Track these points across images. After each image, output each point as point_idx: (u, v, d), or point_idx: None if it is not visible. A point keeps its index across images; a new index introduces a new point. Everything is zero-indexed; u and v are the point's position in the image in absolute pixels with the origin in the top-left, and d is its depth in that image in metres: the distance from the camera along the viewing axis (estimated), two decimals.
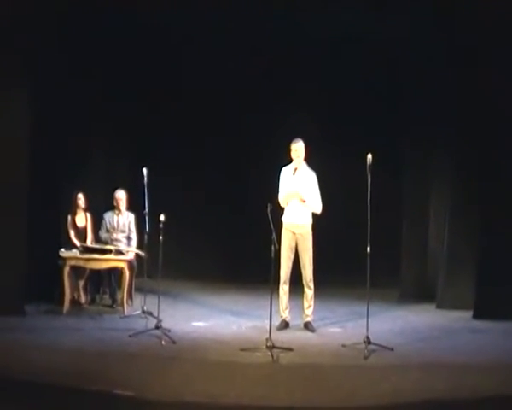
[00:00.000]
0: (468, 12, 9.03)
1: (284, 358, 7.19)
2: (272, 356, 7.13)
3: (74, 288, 9.30)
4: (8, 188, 8.68)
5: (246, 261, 11.18)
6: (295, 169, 8.47)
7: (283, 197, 8.49)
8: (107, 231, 9.63)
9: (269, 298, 7.53)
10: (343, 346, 7.63)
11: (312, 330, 8.41)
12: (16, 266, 8.71)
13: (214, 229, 11.65)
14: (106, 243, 9.41)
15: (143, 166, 8.77)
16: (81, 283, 9.40)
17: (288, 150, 8.50)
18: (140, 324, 8.25)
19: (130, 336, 7.81)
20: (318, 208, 8.54)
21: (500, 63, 8.97)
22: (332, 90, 11.09)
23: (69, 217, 9.55)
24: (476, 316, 9.18)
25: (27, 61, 8.82)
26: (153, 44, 10.79)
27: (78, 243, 9.31)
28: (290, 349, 7.41)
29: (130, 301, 9.40)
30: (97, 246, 9.29)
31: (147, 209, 8.76)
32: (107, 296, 9.72)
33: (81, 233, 9.57)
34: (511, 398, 6.03)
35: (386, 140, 10.68)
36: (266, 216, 7.56)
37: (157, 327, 7.91)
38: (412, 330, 8.64)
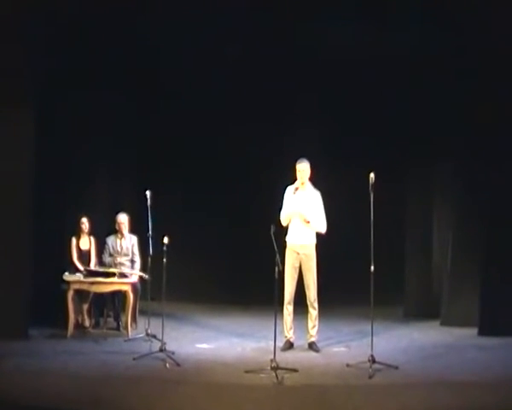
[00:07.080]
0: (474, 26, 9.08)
1: (289, 379, 7.16)
2: (277, 377, 7.11)
3: (78, 311, 9.31)
4: (12, 211, 8.71)
5: (250, 283, 11.14)
6: (296, 189, 8.48)
7: (285, 216, 8.50)
8: (111, 255, 9.64)
9: (273, 319, 7.53)
10: (348, 365, 7.61)
11: (317, 351, 8.39)
12: (20, 289, 8.73)
13: (218, 251, 11.63)
14: (109, 267, 9.41)
15: (146, 189, 8.80)
16: (85, 306, 9.41)
17: (293, 170, 8.52)
18: (144, 347, 8.25)
19: (134, 359, 7.80)
20: (323, 228, 8.54)
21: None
22: (335, 108, 11.06)
23: (73, 240, 9.57)
24: (481, 333, 9.16)
25: (32, 83, 8.87)
26: (152, 65, 10.74)
27: (80, 267, 9.33)
28: (295, 370, 7.39)
29: (134, 324, 9.40)
30: (101, 269, 9.31)
31: (150, 232, 8.78)
32: (111, 320, 9.71)
33: (85, 257, 9.58)
34: None
35: (389, 158, 10.66)
36: (270, 237, 7.58)
37: (161, 350, 7.90)
38: (417, 347, 8.63)
